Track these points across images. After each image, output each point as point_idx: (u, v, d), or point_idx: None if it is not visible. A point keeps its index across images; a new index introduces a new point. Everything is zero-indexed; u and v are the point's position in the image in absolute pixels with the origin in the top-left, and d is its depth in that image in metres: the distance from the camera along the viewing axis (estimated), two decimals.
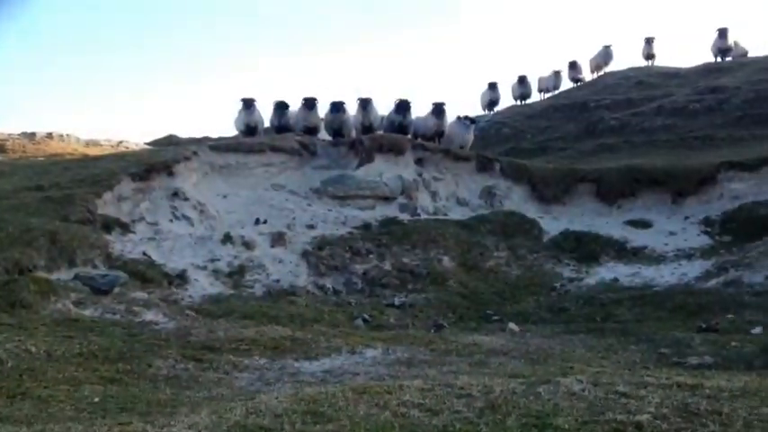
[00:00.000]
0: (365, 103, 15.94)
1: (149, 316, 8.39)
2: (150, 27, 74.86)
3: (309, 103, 16.00)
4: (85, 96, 73.97)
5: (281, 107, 16.28)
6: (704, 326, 8.94)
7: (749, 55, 26.98)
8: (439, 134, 16.25)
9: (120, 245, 10.53)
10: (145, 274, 9.82)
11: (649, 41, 27.68)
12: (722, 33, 26.29)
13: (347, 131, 15.98)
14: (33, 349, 6.25)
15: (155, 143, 28.16)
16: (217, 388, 5.71)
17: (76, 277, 9.05)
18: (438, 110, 16.18)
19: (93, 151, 19.96)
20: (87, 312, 8.20)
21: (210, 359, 6.59)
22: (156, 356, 6.53)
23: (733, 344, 7.89)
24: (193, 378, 6.01)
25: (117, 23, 73.13)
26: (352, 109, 16.18)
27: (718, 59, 26.53)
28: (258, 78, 72.20)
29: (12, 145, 19.43)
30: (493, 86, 26.91)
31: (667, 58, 30.82)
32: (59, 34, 71.55)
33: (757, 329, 8.64)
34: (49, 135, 21.48)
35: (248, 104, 15.97)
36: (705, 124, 19.18)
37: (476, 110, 27.59)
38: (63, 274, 9.14)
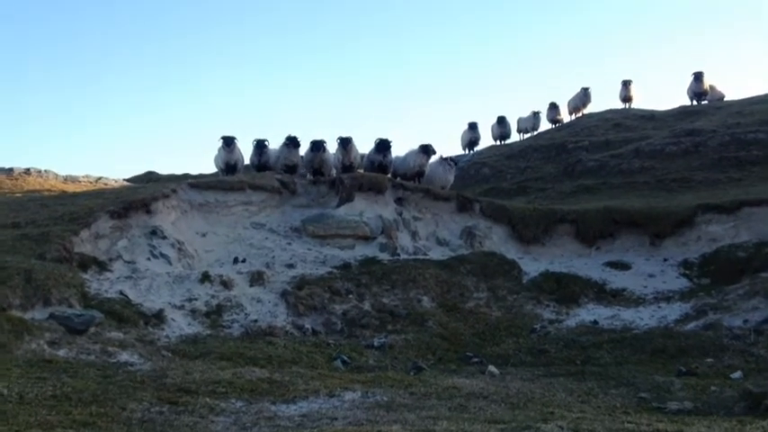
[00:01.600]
0: (345, 142, 15.99)
1: (125, 356, 8.27)
2: (131, 62, 75.10)
3: (291, 142, 16.02)
4: (64, 132, 73.78)
5: (260, 145, 16.28)
6: (684, 370, 8.96)
7: (725, 99, 27.44)
8: (420, 174, 16.32)
9: (96, 283, 10.39)
10: (121, 313, 9.66)
11: (626, 84, 28.11)
12: (698, 77, 26.74)
13: (327, 170, 16.00)
14: (5, 391, 6.14)
15: (134, 179, 28.09)
16: None
17: (51, 316, 8.89)
18: (425, 149, 16.29)
19: (71, 187, 19.85)
20: (62, 352, 8.07)
21: (186, 402, 6.49)
22: (130, 399, 6.42)
23: (712, 388, 7.91)
24: (168, 422, 5.90)
25: (98, 57, 73.32)
26: (332, 148, 16.21)
27: (694, 103, 26.96)
28: (240, 114, 72.43)
29: None
30: (473, 126, 27.16)
31: (644, 100, 31.29)
32: (37, 68, 71.59)
33: (737, 374, 8.67)
34: (27, 171, 21.36)
35: (228, 142, 15.95)
36: (682, 167, 19.37)
37: (456, 149, 27.85)
38: (38, 314, 8.98)
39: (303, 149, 16.24)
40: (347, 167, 15.85)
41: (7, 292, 8.94)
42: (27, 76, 74.82)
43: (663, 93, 66.85)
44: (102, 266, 10.92)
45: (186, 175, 28.41)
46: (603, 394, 7.71)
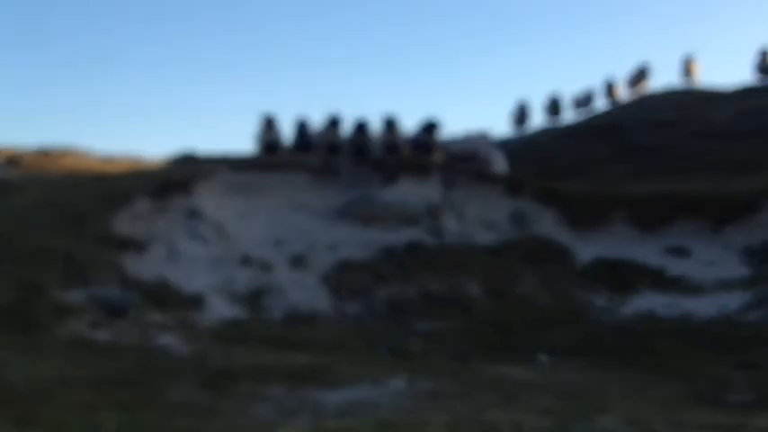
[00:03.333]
0: (391, 123, 15.59)
1: (165, 340, 8.19)
2: (168, 41, 75.59)
3: (334, 122, 15.71)
4: (103, 111, 74.60)
5: (302, 125, 15.99)
6: (744, 361, 8.46)
7: None
8: (471, 158, 15.87)
9: (135, 265, 10.29)
10: (160, 295, 9.60)
11: (689, 60, 27.12)
12: (765, 53, 25.67)
13: (370, 151, 15.64)
14: (47, 374, 6.07)
15: (173, 159, 28.15)
16: (234, 418, 5.43)
17: (91, 298, 8.83)
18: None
19: (109, 167, 19.87)
20: (102, 335, 8.04)
21: (227, 387, 6.32)
22: (171, 383, 6.30)
23: None
24: (209, 407, 5.73)
25: (135, 38, 73.97)
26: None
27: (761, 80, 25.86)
28: (282, 91, 72.39)
29: (27, 160, 19.42)
30: (523, 105, 26.49)
31: (707, 77, 30.23)
32: (77, 49, 72.59)
33: None
34: (65, 150, 21.46)
35: (269, 121, 15.69)
36: (746, 148, 18.50)
37: (506, 128, 27.25)
38: (77, 295, 8.91)
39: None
40: (392, 148, 15.44)
41: (47, 273, 8.94)
42: (68, 55, 75.82)
43: (727, 69, 64.49)
44: (141, 247, 10.80)
45: (225, 155, 28.43)
46: (660, 386, 7.29)
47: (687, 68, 27.05)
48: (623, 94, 27.70)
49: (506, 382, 6.91)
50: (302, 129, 15.80)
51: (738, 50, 68.10)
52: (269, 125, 15.61)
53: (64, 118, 68.65)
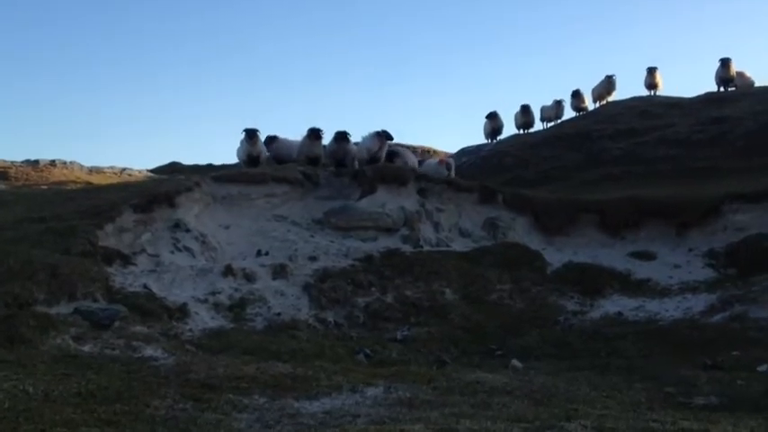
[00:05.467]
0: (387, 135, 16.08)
1: (149, 351, 8.31)
2: (154, 54, 75.44)
3: (314, 133, 16.01)
4: (90, 123, 74.42)
5: (272, 139, 16.64)
6: (710, 363, 8.86)
7: (755, 85, 26.96)
8: (376, 160, 16.25)
9: (120, 277, 10.47)
10: (145, 307, 9.74)
11: (651, 71, 27.68)
12: (724, 63, 26.27)
13: (350, 161, 15.97)
14: (31, 389, 6.16)
15: (158, 170, 28.25)
16: (215, 430, 5.60)
17: (76, 311, 8.97)
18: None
19: (96, 179, 20.01)
20: (87, 348, 8.12)
21: (210, 399, 6.47)
22: (154, 396, 6.42)
23: (739, 382, 7.80)
24: (192, 419, 5.88)
25: (121, 51, 73.73)
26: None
27: (721, 89, 26.53)
28: (263, 106, 72.53)
29: (15, 173, 19.50)
30: (494, 115, 26.87)
31: (670, 87, 30.94)
32: (64, 61, 72.15)
33: (763, 367, 8.54)
34: (53, 162, 21.54)
35: (251, 135, 15.98)
36: (708, 155, 19.10)
37: (479, 139, 27.68)
38: (63, 308, 9.06)
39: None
40: (375, 159, 15.81)
41: (33, 288, 9.05)
42: (53, 68, 75.49)
43: (689, 79, 65.97)
44: (127, 260, 10.99)
45: (210, 166, 28.51)
46: (628, 389, 7.62)
47: (650, 79, 27.66)
48: (590, 104, 28.29)
49: (481, 389, 7.17)
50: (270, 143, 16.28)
51: (699, 62, 69.57)
52: (251, 138, 15.91)
53: (52, 131, 68.25)
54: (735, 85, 26.51)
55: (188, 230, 12.17)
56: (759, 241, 13.11)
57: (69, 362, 7.44)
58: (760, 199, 14.03)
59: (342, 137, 15.90)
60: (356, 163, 15.99)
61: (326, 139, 16.29)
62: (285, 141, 16.91)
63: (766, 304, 10.79)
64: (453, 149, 29.78)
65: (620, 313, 11.56)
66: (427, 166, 16.86)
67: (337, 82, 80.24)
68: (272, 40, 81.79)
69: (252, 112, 72.31)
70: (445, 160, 17.80)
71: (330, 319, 10.88)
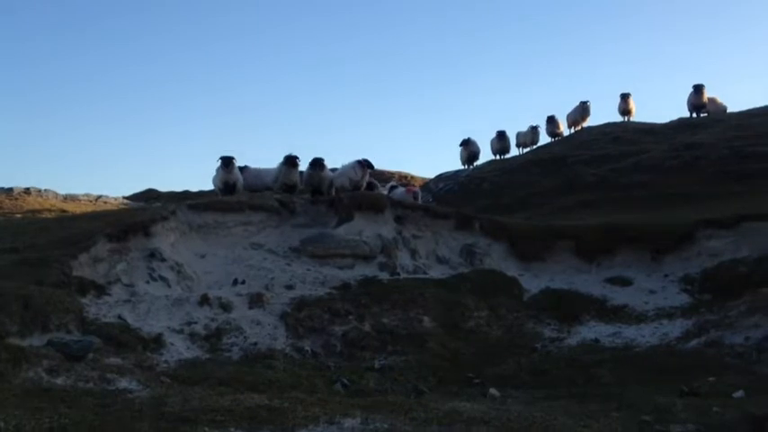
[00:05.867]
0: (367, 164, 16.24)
1: (123, 383, 8.21)
2: (130, 80, 75.22)
3: (290, 161, 16.04)
4: (64, 151, 73.99)
5: (241, 169, 16.85)
6: (686, 389, 8.87)
7: (727, 111, 27.41)
8: (357, 188, 16.67)
9: (95, 308, 10.37)
10: (120, 338, 9.64)
11: (625, 97, 28.08)
12: (697, 89, 26.73)
13: (326, 188, 16.03)
14: (2, 424, 6.07)
15: (134, 197, 28.11)
16: None
17: (49, 343, 8.84)
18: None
19: (71, 206, 19.87)
20: (60, 380, 8.01)
21: None
22: (128, 430, 6.35)
23: (715, 409, 7.82)
24: None
25: (97, 75, 73.49)
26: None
27: (694, 115, 26.94)
28: (239, 131, 72.46)
29: None
30: (468, 142, 27.06)
31: (644, 113, 31.43)
32: (37, 86, 71.74)
33: (739, 393, 8.58)
34: (27, 190, 21.38)
35: (227, 163, 15.99)
36: (681, 180, 19.33)
37: (457, 164, 27.88)
38: (36, 340, 8.94)
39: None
40: (356, 188, 15.95)
41: (5, 320, 8.91)
42: (26, 94, 75.02)
43: (662, 105, 67.05)
44: (101, 290, 10.89)
45: (186, 193, 28.42)
46: (605, 417, 7.62)
47: (624, 105, 28.04)
48: (565, 129, 28.61)
49: (459, 419, 7.15)
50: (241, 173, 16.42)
51: (671, 89, 70.77)
52: (227, 166, 15.91)
53: (26, 158, 67.80)
54: (707, 111, 26.95)
55: (163, 260, 12.08)
56: (733, 267, 13.24)
57: (42, 395, 7.33)
58: (733, 225, 14.19)
59: (318, 163, 15.98)
60: (332, 190, 16.03)
61: (302, 165, 16.40)
62: (255, 171, 17.04)
63: (741, 330, 10.84)
64: (431, 175, 29.99)
65: (596, 340, 11.59)
66: (395, 195, 17.02)
67: (314, 108, 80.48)
68: (249, 66, 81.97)
69: (228, 138, 72.23)
70: (412, 189, 18.20)
71: (307, 348, 10.81)
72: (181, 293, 11.58)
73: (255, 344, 10.58)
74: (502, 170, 25.03)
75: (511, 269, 14.33)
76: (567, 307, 12.84)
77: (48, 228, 13.23)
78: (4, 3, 69.72)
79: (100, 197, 22.96)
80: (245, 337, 10.70)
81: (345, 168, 16.60)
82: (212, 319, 10.94)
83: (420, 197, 17.40)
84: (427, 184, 28.20)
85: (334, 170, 16.79)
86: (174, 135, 78.95)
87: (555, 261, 14.83)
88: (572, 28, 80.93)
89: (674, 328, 11.74)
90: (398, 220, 14.88)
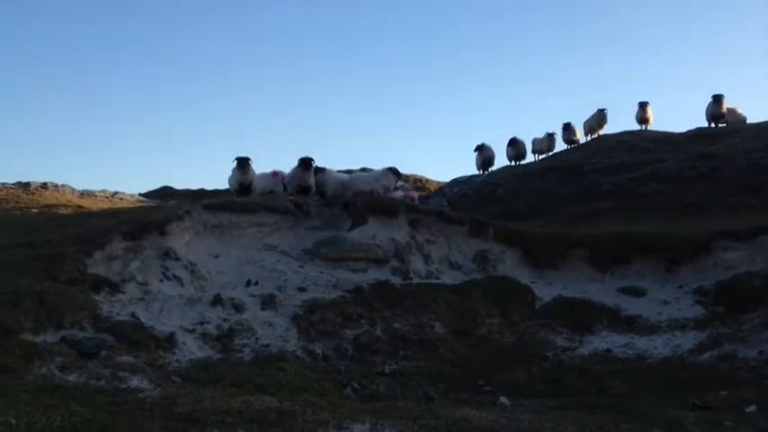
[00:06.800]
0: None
1: (135, 382, 8.22)
2: (150, 79, 75.63)
3: (305, 163, 16.09)
4: (81, 146, 74.48)
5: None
6: (698, 403, 8.81)
7: (747, 122, 27.22)
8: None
9: (108, 306, 10.41)
10: (132, 336, 9.67)
11: (643, 105, 27.93)
12: (716, 99, 26.55)
13: (310, 189, 16.31)
14: (14, 421, 6.08)
15: (150, 194, 28.22)
16: None
17: (63, 340, 8.89)
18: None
19: (87, 202, 19.93)
20: (72, 377, 8.03)
21: None
22: (139, 429, 6.35)
23: (727, 423, 7.76)
24: None
25: (116, 72, 73.90)
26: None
27: (712, 125, 26.76)
28: (255, 131, 72.69)
29: (6, 195, 19.40)
30: (482, 147, 26.97)
31: (662, 122, 31.31)
32: (55, 83, 72.26)
33: (751, 408, 8.51)
34: (44, 185, 21.45)
35: (242, 163, 16.04)
36: (698, 191, 19.22)
37: (473, 169, 27.80)
38: (49, 337, 8.98)
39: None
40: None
41: (19, 316, 8.97)
42: (45, 91, 75.59)
43: (681, 114, 66.64)
44: (115, 288, 10.94)
45: (202, 191, 28.49)
46: (615, 429, 7.56)
47: (642, 113, 27.87)
48: (581, 137, 28.47)
49: (468, 427, 7.12)
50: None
51: (691, 98, 70.34)
52: (242, 167, 15.96)
53: (44, 153, 68.31)
54: (726, 121, 26.77)
55: (177, 259, 12.13)
56: (748, 279, 13.15)
57: (54, 392, 7.33)
58: (749, 237, 14.12)
59: (313, 167, 16.22)
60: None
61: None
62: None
63: (755, 343, 10.77)
64: (446, 179, 29.94)
65: (609, 350, 11.54)
66: None
67: (331, 110, 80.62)
68: (268, 67, 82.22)
69: (244, 137, 72.46)
70: (410, 195, 18.27)
71: (318, 351, 10.81)
72: (194, 293, 11.62)
73: (267, 345, 10.60)
74: (517, 176, 24.95)
75: (524, 276, 14.30)
76: (580, 316, 12.79)
77: (63, 224, 13.29)
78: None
79: (116, 194, 23.03)
80: (256, 339, 10.71)
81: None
82: (224, 320, 10.95)
83: (417, 202, 17.52)
84: (442, 189, 28.16)
85: (348, 172, 16.88)
86: (191, 133, 79.29)
87: (568, 269, 14.79)
88: (591, 35, 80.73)
89: (687, 341, 11.66)
90: (412, 224, 14.88)
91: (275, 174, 17.18)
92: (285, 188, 16.56)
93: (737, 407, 8.65)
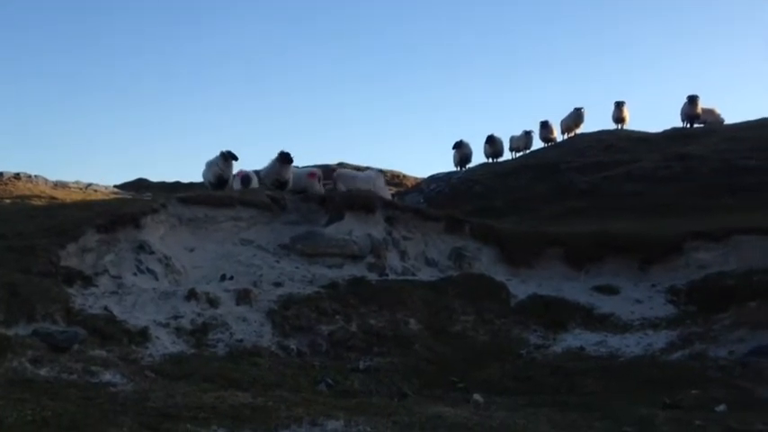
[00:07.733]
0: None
1: (107, 376, 8.14)
2: (123, 70, 74.91)
3: (283, 158, 16.03)
4: (55, 137, 73.62)
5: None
6: (668, 402, 8.92)
7: (725, 123, 27.52)
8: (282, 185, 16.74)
9: (81, 299, 10.30)
10: (105, 330, 9.57)
11: (619, 105, 28.16)
12: (692, 100, 26.84)
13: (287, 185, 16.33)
14: None
15: (124, 186, 27.97)
16: None
17: (35, 333, 8.77)
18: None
19: (60, 194, 19.70)
20: (43, 371, 7.93)
21: (167, 429, 6.34)
22: (110, 425, 6.29)
23: (697, 422, 7.84)
24: None
25: (90, 63, 73.14)
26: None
27: (687, 126, 27.03)
28: (232, 125, 72.27)
29: None
30: (460, 144, 27.08)
31: (639, 121, 31.53)
32: (29, 73, 71.37)
33: (721, 407, 8.62)
34: (17, 176, 21.17)
35: (227, 157, 15.97)
36: (672, 191, 19.43)
37: (449, 166, 27.91)
38: (21, 330, 8.86)
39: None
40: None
41: None
42: (19, 80, 74.62)
43: (659, 113, 67.17)
44: (88, 281, 10.83)
45: (177, 184, 28.31)
46: (587, 427, 7.65)
47: (618, 113, 28.12)
48: (558, 135, 28.68)
49: (441, 424, 7.15)
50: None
51: (668, 96, 70.95)
52: (226, 161, 15.88)
53: (17, 142, 67.42)
54: (704, 122, 27.05)
55: (152, 252, 12.04)
56: (720, 279, 13.33)
57: (25, 386, 7.25)
58: (722, 237, 14.29)
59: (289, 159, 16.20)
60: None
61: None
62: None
63: (726, 343, 10.90)
64: (424, 175, 30.02)
65: (582, 348, 11.62)
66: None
67: (308, 105, 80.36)
68: (245, 58, 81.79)
69: (220, 132, 72.00)
70: (315, 173, 17.92)
71: (293, 346, 10.78)
72: (168, 287, 11.53)
73: (241, 340, 10.54)
74: (494, 174, 25.07)
75: (499, 274, 14.36)
76: (554, 314, 12.86)
77: (36, 215, 13.11)
78: None
79: (90, 185, 22.80)
80: (231, 334, 10.65)
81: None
82: (199, 314, 10.87)
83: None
84: (419, 185, 28.21)
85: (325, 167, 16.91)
86: (166, 125, 78.66)
87: (543, 267, 14.88)
88: (569, 33, 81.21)
89: (659, 339, 11.78)
90: (389, 220, 14.89)
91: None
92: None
93: (707, 406, 8.76)
